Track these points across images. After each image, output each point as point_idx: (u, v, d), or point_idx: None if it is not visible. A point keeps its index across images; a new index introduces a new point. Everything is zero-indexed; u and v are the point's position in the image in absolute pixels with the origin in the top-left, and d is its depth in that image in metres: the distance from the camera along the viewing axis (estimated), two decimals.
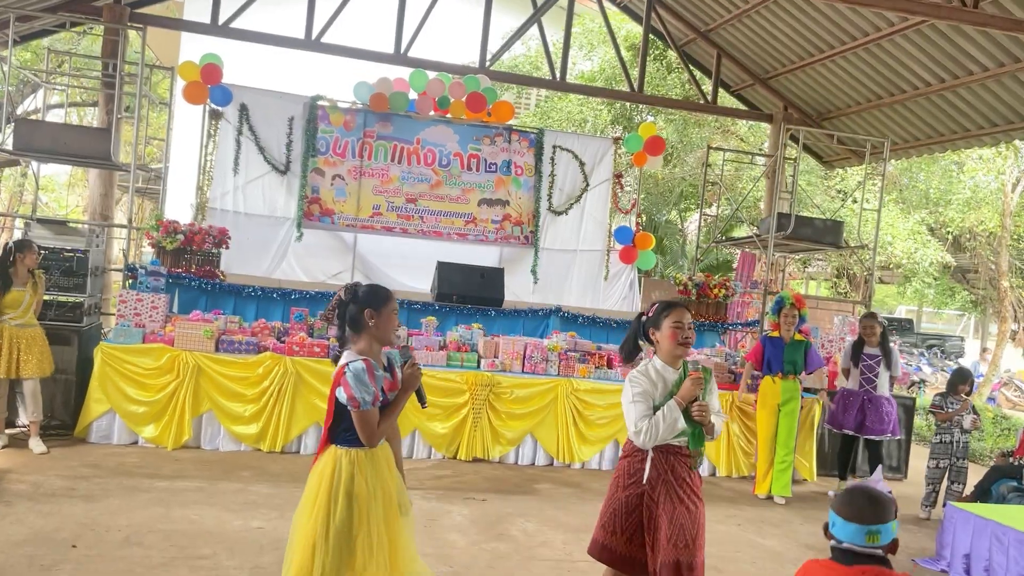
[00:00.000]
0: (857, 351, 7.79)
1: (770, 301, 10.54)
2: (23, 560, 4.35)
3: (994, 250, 18.09)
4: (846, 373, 7.96)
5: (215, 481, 6.19)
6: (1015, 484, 6.68)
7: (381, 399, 3.18)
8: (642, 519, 3.57)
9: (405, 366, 3.28)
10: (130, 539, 4.82)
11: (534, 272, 11.60)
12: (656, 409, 3.54)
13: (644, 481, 3.56)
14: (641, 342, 3.71)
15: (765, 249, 9.96)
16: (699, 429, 3.57)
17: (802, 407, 7.62)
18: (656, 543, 3.51)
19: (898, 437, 7.97)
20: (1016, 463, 6.92)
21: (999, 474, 6.92)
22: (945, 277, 21.01)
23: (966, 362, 28.00)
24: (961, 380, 7.61)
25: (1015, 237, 18.16)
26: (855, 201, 15.84)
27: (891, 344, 7.78)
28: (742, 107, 13.45)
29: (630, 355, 3.78)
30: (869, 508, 2.50)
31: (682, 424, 3.51)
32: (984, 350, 22.41)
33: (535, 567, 5.02)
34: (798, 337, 7.40)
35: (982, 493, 6.85)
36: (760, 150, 15.09)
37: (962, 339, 32.28)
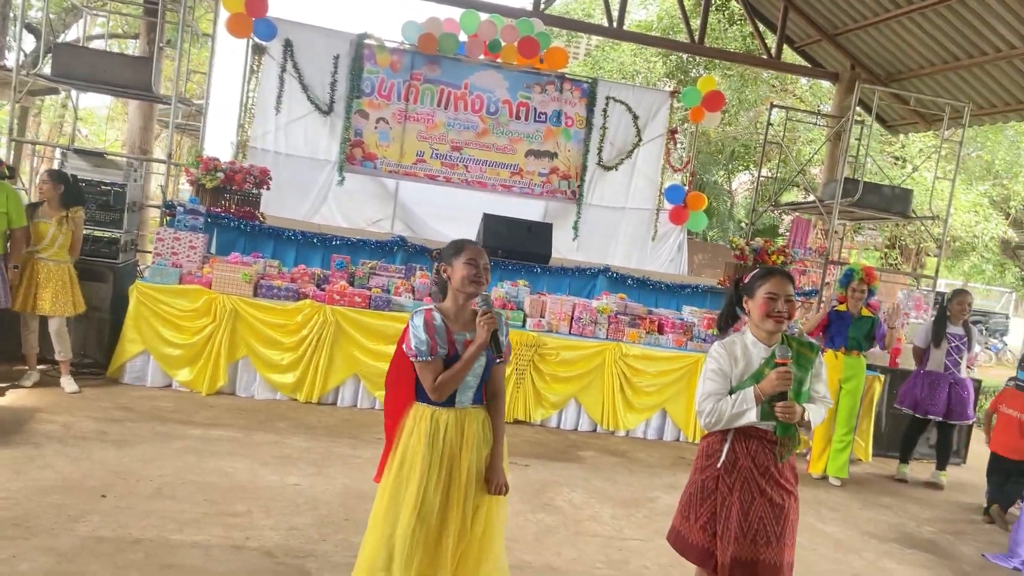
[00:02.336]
0: (940, 330, 7.23)
1: (832, 271, 10.09)
2: (50, 509, 4.14)
3: None
4: (920, 353, 7.38)
5: (250, 431, 5.96)
6: None
7: (442, 352, 2.96)
8: (716, 506, 3.17)
9: (478, 315, 2.98)
10: (162, 491, 4.59)
11: (576, 228, 11.20)
12: (733, 391, 3.13)
13: (719, 464, 3.17)
14: (739, 312, 3.30)
15: (828, 215, 9.44)
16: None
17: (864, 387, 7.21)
18: (726, 534, 3.12)
19: (971, 422, 7.49)
20: None
21: None
22: (1000, 253, 20.24)
23: (1011, 340, 27.26)
24: None
25: None
26: (916, 169, 15.17)
27: (971, 325, 7.23)
28: (806, 64, 12.78)
29: (725, 326, 3.33)
30: None
31: (752, 418, 3.07)
32: None
33: (584, 544, 4.73)
34: (865, 312, 6.95)
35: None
36: (819, 111, 14.41)
37: (1006, 316, 31.43)
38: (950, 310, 7.19)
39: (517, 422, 7.25)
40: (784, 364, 3.05)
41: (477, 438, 3.07)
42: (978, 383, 8.16)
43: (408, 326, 3.01)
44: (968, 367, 7.32)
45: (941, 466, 7.33)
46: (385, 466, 3.08)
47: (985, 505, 6.59)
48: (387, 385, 3.20)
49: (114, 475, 4.72)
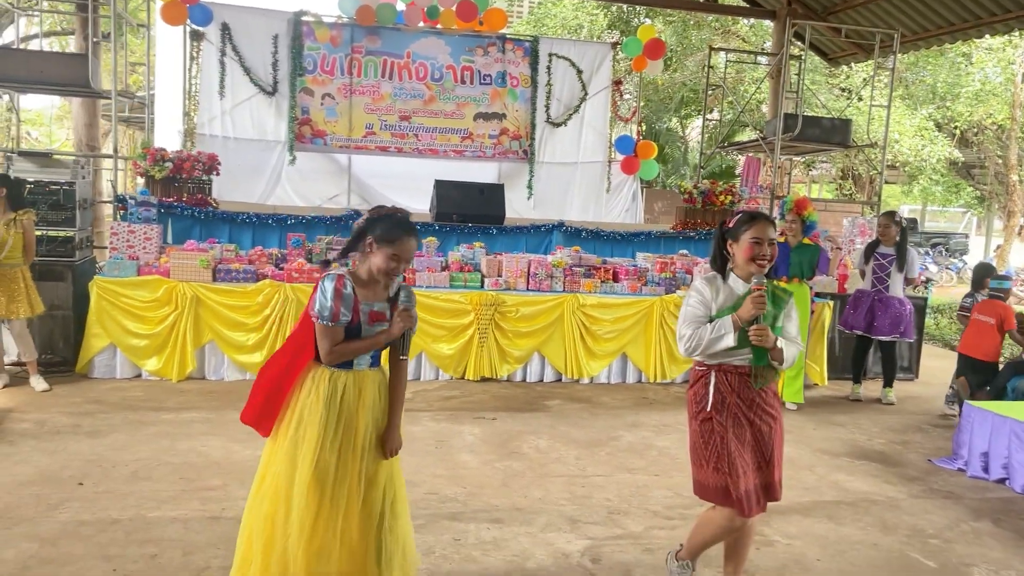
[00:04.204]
0: (871, 250, 7.54)
1: (779, 206, 10.34)
2: (30, 499, 4.29)
3: (1002, 144, 17.68)
4: (862, 274, 7.69)
5: (221, 411, 6.12)
6: None
7: (344, 320, 2.95)
8: (718, 446, 3.31)
9: (398, 309, 3.03)
10: (138, 474, 4.76)
11: (530, 187, 11.35)
12: (713, 320, 3.28)
13: (708, 407, 3.33)
14: (725, 254, 3.37)
15: (771, 152, 9.67)
16: (761, 348, 3.26)
17: (812, 312, 7.50)
18: (734, 468, 3.26)
19: (910, 339, 7.80)
20: None
21: (1013, 371, 6.83)
22: (951, 174, 20.64)
23: (971, 259, 27.94)
24: (987, 273, 7.46)
25: None
26: (860, 99, 15.42)
27: (908, 245, 7.49)
28: (744, 4, 12.91)
29: (720, 267, 3.40)
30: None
31: (729, 342, 3.21)
32: (998, 247, 22.19)
33: (549, 484, 4.97)
34: (806, 241, 7.20)
35: (997, 391, 6.78)
36: (763, 50, 14.58)
37: (966, 236, 32.16)
38: (878, 233, 7.52)
39: (484, 379, 7.48)
40: (760, 290, 3.19)
41: (374, 400, 3.09)
42: (923, 301, 8.50)
43: (317, 287, 2.99)
44: (916, 286, 7.61)
45: (887, 383, 7.66)
46: (281, 425, 3.06)
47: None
48: (288, 350, 3.12)
49: (90, 464, 4.88)
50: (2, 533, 3.90)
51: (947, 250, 28.34)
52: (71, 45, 20.34)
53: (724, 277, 3.38)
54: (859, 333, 7.53)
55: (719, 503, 3.35)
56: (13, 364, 6.74)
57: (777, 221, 7.23)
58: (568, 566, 3.86)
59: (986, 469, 5.53)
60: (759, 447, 3.30)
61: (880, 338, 7.43)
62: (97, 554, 3.73)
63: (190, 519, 4.17)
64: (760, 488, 3.29)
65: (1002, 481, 5.41)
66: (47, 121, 28.70)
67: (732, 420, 3.27)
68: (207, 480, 4.72)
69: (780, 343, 3.25)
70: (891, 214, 7.62)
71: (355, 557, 3.03)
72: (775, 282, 3.44)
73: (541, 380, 7.66)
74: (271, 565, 3.01)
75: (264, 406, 3.11)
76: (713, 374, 3.32)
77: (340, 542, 3.00)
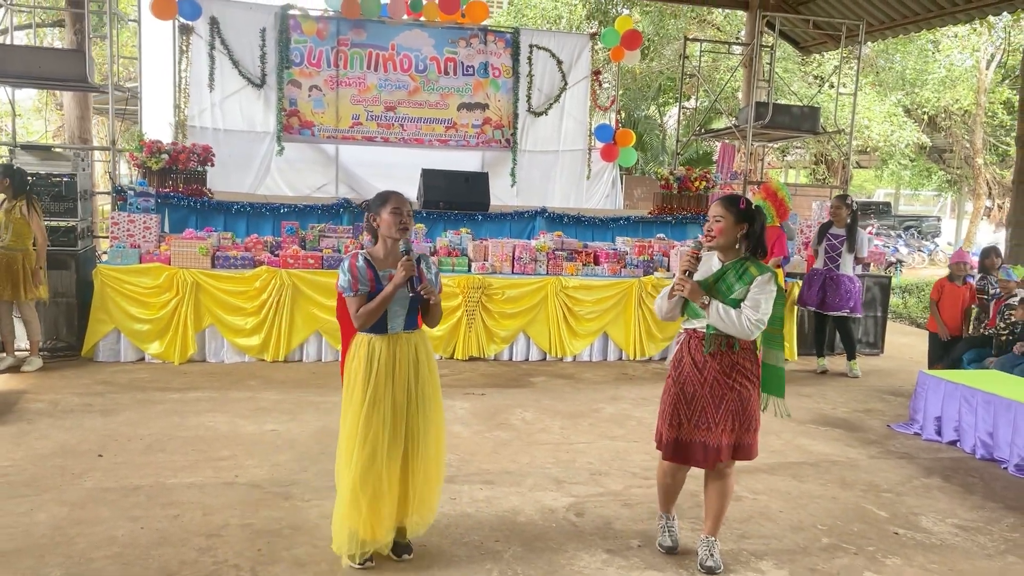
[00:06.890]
0: (823, 232, 8.02)
1: (751, 192, 10.77)
2: (54, 470, 4.62)
3: (969, 128, 18.21)
4: (815, 253, 8.16)
5: (225, 391, 6.46)
6: (989, 353, 7.06)
7: (363, 289, 3.46)
8: (668, 403, 3.68)
9: (400, 260, 3.47)
10: (152, 446, 5.10)
11: (513, 175, 11.68)
12: None
13: (667, 363, 3.74)
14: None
15: (744, 139, 10.07)
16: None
17: (785, 291, 7.96)
18: (672, 421, 3.63)
19: (859, 315, 8.17)
20: (986, 332, 7.29)
21: (969, 345, 7.30)
22: (921, 158, 21.18)
23: (942, 241, 28.57)
24: (991, 255, 7.90)
25: (989, 114, 18.27)
26: (832, 86, 15.85)
27: (858, 227, 7.94)
28: None
29: None
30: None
31: (666, 300, 3.60)
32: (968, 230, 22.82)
33: (535, 450, 5.36)
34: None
35: (952, 363, 7.24)
36: (737, 39, 14.96)
37: (938, 219, 32.86)
38: (830, 215, 8.00)
39: (472, 359, 7.85)
40: (692, 250, 3.53)
41: (408, 358, 3.54)
42: (887, 280, 8.95)
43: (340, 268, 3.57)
44: (887, 267, 8.09)
45: (850, 356, 8.11)
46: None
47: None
48: (338, 319, 3.75)
49: (106, 438, 5.21)
50: (33, 499, 4.23)
51: (919, 233, 29.02)
52: (48, 36, 20.36)
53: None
54: (812, 309, 8.03)
55: (661, 453, 3.75)
56: (26, 351, 7.03)
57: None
58: (555, 519, 4.25)
59: (939, 432, 5.98)
60: (708, 410, 3.56)
61: (831, 313, 7.91)
62: (123, 515, 4.08)
63: (206, 484, 4.52)
64: (694, 447, 3.60)
65: (954, 443, 5.87)
66: (25, 112, 28.60)
67: (684, 380, 3.62)
68: (218, 451, 5.07)
69: (708, 300, 3.49)
70: (843, 197, 8.10)
71: (395, 497, 3.54)
72: (755, 260, 3.60)
73: (527, 359, 8.05)
74: (345, 505, 3.52)
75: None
76: (682, 337, 3.72)
77: (386, 485, 3.48)
